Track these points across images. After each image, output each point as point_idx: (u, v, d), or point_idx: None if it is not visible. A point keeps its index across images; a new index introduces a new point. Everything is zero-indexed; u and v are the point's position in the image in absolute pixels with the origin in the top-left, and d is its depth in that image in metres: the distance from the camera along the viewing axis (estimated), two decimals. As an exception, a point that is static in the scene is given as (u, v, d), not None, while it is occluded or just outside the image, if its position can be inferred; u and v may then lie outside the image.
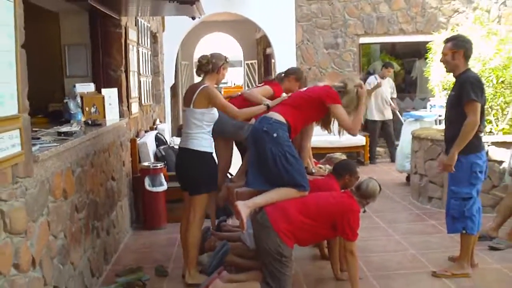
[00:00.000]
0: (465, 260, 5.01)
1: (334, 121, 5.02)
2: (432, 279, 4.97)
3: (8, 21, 3.09)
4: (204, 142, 4.85)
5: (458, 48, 4.92)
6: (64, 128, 4.80)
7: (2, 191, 2.98)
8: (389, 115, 11.05)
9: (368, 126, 10.94)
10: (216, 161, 5.18)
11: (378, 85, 9.98)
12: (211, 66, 4.88)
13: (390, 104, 11.07)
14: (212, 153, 4.97)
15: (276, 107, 4.82)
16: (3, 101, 2.98)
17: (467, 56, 4.94)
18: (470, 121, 4.74)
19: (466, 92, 4.76)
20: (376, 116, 10.97)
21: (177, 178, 5.22)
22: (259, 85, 6.12)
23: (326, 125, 5.13)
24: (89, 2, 5.44)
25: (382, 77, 10.87)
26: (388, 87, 11.09)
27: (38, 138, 4.13)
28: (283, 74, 5.84)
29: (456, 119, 4.86)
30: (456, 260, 5.13)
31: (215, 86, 4.99)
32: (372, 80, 10.76)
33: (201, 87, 4.79)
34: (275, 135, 4.51)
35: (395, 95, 11.29)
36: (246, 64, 17.29)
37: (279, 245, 4.39)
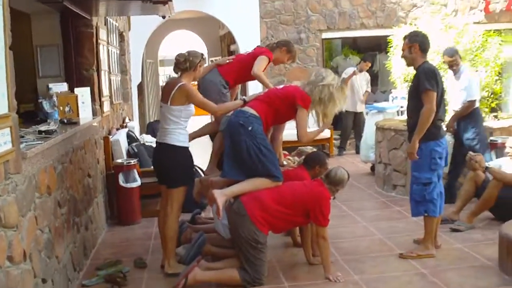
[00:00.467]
0: (429, 241, 5.33)
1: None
2: (398, 260, 5.28)
3: (-3, 25, 3.25)
4: (181, 137, 5.03)
5: (413, 42, 5.26)
6: (43, 127, 4.94)
7: (-3, 187, 3.15)
8: (361, 108, 11.26)
9: (341, 117, 11.21)
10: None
11: (354, 73, 10.31)
12: (188, 64, 5.01)
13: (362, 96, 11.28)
14: (188, 147, 5.15)
15: (251, 102, 5.04)
16: (-5, 101, 3.15)
17: (423, 49, 5.27)
18: (426, 109, 5.07)
19: (422, 83, 5.10)
20: (350, 107, 11.06)
21: (155, 172, 5.41)
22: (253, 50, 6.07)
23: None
24: (64, 3, 5.57)
25: (360, 71, 11.13)
26: (363, 80, 11.32)
27: (22, 137, 4.27)
28: (275, 44, 5.95)
29: (416, 109, 5.18)
30: (421, 242, 5.44)
31: (192, 82, 5.15)
32: (350, 71, 11.07)
33: (179, 84, 4.94)
34: (250, 128, 4.74)
35: (369, 89, 11.51)
36: (211, 60, 17.45)
37: (255, 232, 4.64)
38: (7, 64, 3.34)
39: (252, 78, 5.67)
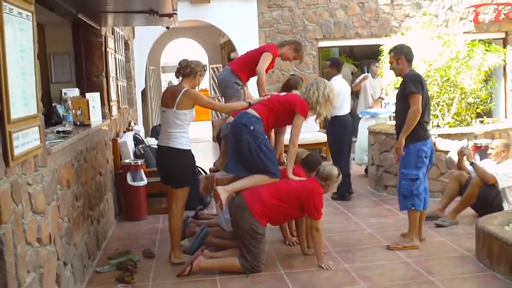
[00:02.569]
0: (414, 234, 5.80)
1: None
2: (385, 251, 5.74)
3: (29, 37, 3.72)
4: (184, 140, 5.44)
5: (399, 54, 5.80)
6: (60, 128, 5.41)
7: (29, 177, 3.61)
8: None
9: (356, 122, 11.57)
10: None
11: (364, 78, 10.69)
12: (189, 69, 5.36)
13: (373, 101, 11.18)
14: (191, 150, 5.56)
15: (254, 105, 5.49)
16: (27, 102, 3.61)
17: (408, 59, 5.80)
18: (412, 110, 5.58)
19: (408, 87, 5.62)
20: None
21: (159, 174, 5.84)
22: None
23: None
24: (78, 15, 6.05)
25: (374, 75, 11.08)
26: (377, 86, 11.20)
27: (45, 136, 4.74)
28: (285, 41, 6.42)
29: (403, 111, 5.69)
30: (406, 235, 5.91)
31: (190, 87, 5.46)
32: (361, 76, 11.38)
33: (183, 90, 5.33)
34: (252, 128, 5.21)
35: (383, 95, 11.25)
36: (211, 68, 17.91)
37: (254, 223, 5.11)
38: (36, 70, 3.82)
39: None
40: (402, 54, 5.78)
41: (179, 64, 5.43)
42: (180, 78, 5.48)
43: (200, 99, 5.41)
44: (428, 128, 5.92)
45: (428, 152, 5.82)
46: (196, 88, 5.64)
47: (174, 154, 5.44)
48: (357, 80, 11.18)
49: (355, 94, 11.23)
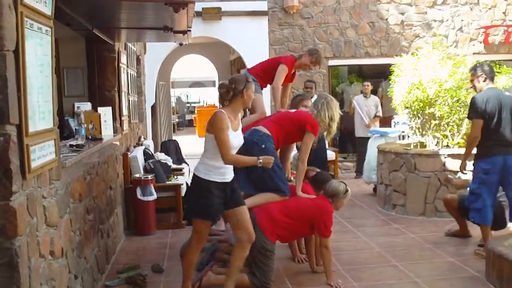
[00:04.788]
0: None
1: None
2: (394, 270, 5.74)
3: (48, 52, 3.78)
4: (201, 167, 4.78)
5: (479, 73, 6.16)
6: (73, 142, 5.47)
7: (44, 190, 3.65)
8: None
9: (356, 143, 11.90)
10: None
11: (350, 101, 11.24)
12: (232, 93, 4.67)
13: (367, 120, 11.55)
14: (207, 180, 4.71)
15: (265, 122, 5.54)
16: (44, 116, 3.66)
17: (489, 77, 6.13)
18: (469, 135, 6.22)
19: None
20: (362, 133, 11.52)
21: None
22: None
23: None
24: (93, 31, 6.13)
25: (365, 95, 11.65)
26: (372, 105, 11.64)
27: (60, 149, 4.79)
28: (302, 53, 6.60)
29: None
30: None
31: (242, 108, 4.96)
32: (358, 98, 11.69)
33: (216, 111, 4.73)
34: (263, 146, 5.25)
35: (380, 114, 11.73)
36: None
37: (264, 240, 5.13)
38: (53, 85, 3.87)
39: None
40: (482, 73, 6.10)
41: (219, 92, 4.80)
42: (227, 103, 4.75)
43: (213, 127, 4.62)
44: (493, 145, 6.06)
45: (492, 169, 6.02)
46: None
47: (192, 180, 4.89)
48: (355, 104, 11.68)
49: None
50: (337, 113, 5.67)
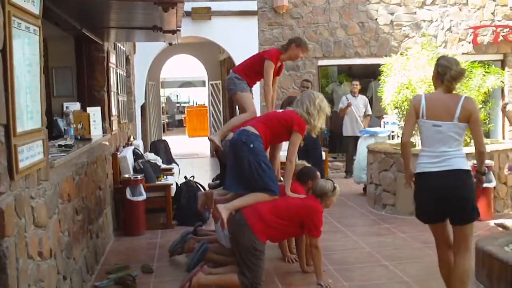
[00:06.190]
0: None
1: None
2: (384, 270, 5.75)
3: (36, 52, 3.75)
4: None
5: None
6: (62, 142, 5.43)
7: (32, 190, 3.62)
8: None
9: (343, 142, 11.95)
10: None
11: (348, 105, 11.25)
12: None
13: (361, 121, 11.63)
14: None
15: (252, 122, 5.52)
16: (33, 116, 3.63)
17: None
18: None
19: None
20: (350, 132, 11.63)
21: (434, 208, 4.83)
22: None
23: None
24: (82, 30, 6.09)
25: (353, 94, 11.71)
26: (361, 104, 11.72)
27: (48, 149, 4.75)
28: (285, 45, 6.29)
29: None
30: None
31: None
32: (344, 100, 11.67)
33: (463, 97, 4.51)
34: (252, 145, 5.22)
35: (369, 112, 11.87)
36: (211, 84, 17.99)
37: (254, 241, 5.10)
38: (41, 84, 3.85)
39: (262, 77, 6.20)
40: None
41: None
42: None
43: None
44: None
45: None
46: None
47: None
48: (341, 105, 11.65)
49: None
50: (317, 106, 5.59)
